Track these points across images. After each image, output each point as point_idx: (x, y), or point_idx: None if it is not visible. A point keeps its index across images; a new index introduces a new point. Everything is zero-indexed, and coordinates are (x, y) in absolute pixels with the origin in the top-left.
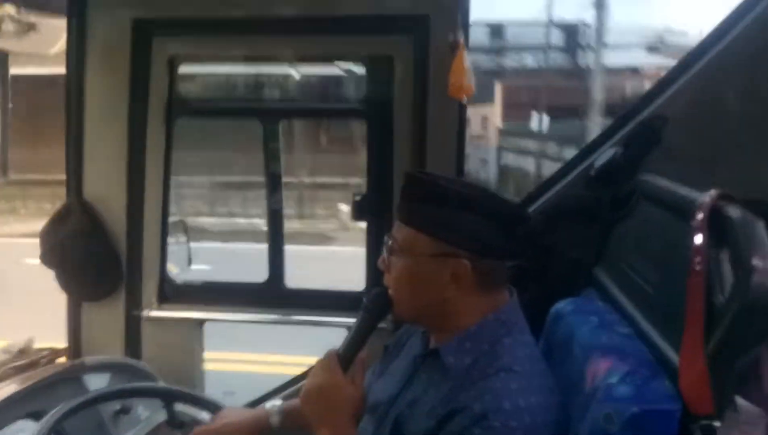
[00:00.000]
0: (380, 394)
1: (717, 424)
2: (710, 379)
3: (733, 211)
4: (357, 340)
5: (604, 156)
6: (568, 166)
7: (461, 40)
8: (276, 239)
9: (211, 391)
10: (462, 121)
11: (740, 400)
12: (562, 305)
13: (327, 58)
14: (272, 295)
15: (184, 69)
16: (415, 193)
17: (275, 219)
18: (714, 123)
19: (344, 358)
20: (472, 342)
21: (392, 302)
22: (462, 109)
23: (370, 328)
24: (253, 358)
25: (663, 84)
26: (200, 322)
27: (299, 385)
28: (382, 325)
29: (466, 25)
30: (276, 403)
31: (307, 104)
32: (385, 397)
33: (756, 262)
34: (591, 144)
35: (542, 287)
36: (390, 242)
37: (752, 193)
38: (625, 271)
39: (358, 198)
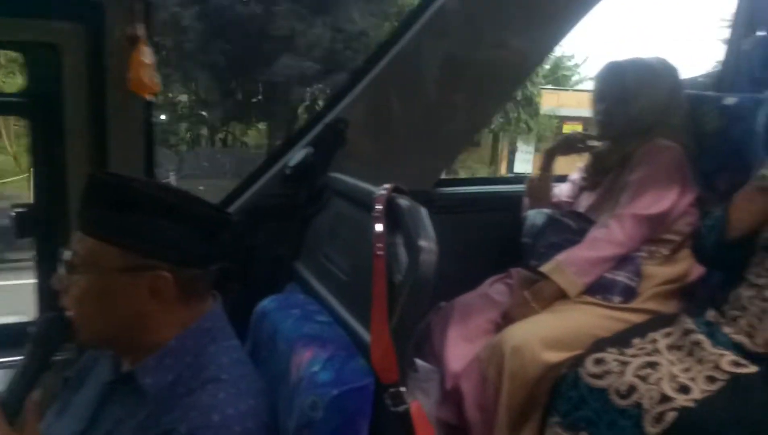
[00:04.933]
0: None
1: (403, 389)
2: (395, 350)
3: (403, 202)
4: (25, 380)
5: (297, 156)
6: (264, 166)
7: (140, 33)
8: None
9: None
10: (149, 120)
11: (418, 361)
12: (266, 303)
13: None
14: None
15: None
16: (100, 197)
17: None
18: (385, 126)
19: (10, 404)
20: (174, 357)
21: (71, 327)
22: (148, 106)
23: (42, 363)
24: None
25: (344, 89)
26: None
27: None
28: (63, 356)
29: (149, 18)
30: None
31: None
32: None
33: (422, 242)
34: (283, 144)
35: (246, 288)
36: (69, 256)
37: (416, 185)
38: (321, 262)
39: (21, 210)
